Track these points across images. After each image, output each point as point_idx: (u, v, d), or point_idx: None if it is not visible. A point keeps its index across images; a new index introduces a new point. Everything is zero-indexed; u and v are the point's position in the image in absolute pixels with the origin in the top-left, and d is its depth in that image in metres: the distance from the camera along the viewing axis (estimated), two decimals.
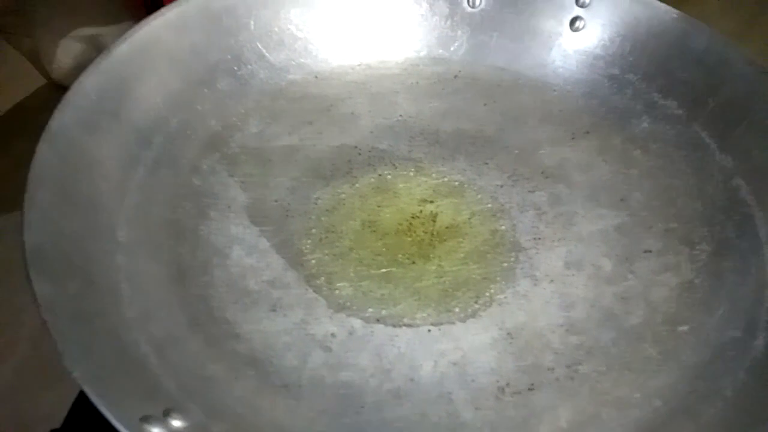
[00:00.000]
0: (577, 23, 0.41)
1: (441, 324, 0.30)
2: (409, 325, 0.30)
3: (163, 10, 0.35)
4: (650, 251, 0.33)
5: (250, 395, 0.27)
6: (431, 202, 0.35)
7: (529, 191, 0.36)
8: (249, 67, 0.38)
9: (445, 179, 0.36)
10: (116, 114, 0.32)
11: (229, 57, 0.38)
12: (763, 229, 0.32)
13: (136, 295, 0.28)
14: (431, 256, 0.33)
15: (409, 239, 0.33)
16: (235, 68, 0.38)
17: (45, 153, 0.27)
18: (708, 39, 0.38)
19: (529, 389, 0.28)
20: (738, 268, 0.32)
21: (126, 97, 0.33)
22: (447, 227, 0.34)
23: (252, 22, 0.38)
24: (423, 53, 0.42)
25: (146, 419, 0.22)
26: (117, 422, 0.20)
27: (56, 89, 0.51)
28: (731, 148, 0.35)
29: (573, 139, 0.39)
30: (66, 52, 0.50)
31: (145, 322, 0.27)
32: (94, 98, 0.31)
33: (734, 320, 0.30)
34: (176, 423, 0.23)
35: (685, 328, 0.30)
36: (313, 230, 0.33)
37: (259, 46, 0.39)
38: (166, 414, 0.23)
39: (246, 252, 0.32)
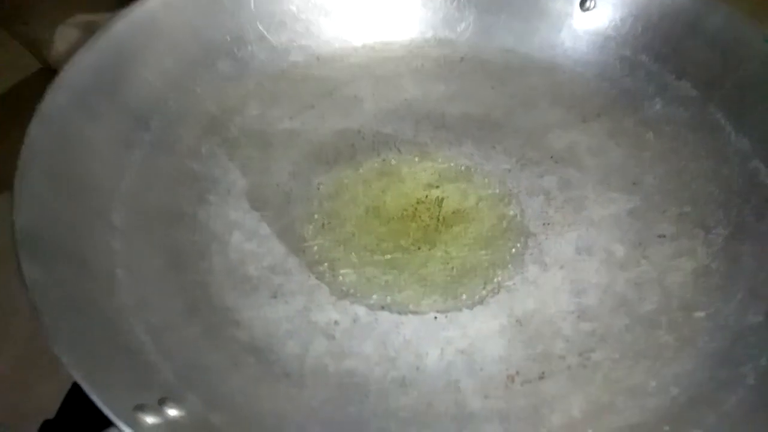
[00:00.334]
0: (588, 3, 0.40)
1: (447, 311, 0.29)
2: (414, 312, 0.29)
3: None
4: (664, 236, 0.32)
5: (250, 384, 0.26)
6: (437, 187, 0.34)
7: (538, 175, 0.35)
8: (249, 48, 0.37)
9: (452, 164, 0.35)
10: (112, 95, 0.31)
11: (228, 38, 0.37)
12: None
13: (132, 281, 0.27)
14: (437, 241, 0.32)
15: (415, 225, 0.32)
16: (235, 49, 0.37)
17: (37, 133, 0.27)
18: (723, 17, 0.36)
19: (540, 378, 0.27)
20: (757, 252, 0.31)
21: (122, 78, 0.32)
22: (453, 212, 0.33)
23: (252, 2, 0.37)
24: (428, 35, 0.41)
25: (140, 408, 0.21)
26: (108, 410, 0.19)
27: (53, 76, 0.50)
28: (748, 130, 0.34)
29: (584, 122, 0.37)
30: (63, 38, 0.49)
31: (141, 309, 0.27)
32: (88, 78, 0.30)
33: (754, 305, 0.29)
34: (172, 412, 0.22)
35: (701, 314, 0.29)
36: (316, 216, 0.32)
37: (260, 27, 0.38)
38: (162, 403, 0.22)
39: (246, 237, 0.31)
